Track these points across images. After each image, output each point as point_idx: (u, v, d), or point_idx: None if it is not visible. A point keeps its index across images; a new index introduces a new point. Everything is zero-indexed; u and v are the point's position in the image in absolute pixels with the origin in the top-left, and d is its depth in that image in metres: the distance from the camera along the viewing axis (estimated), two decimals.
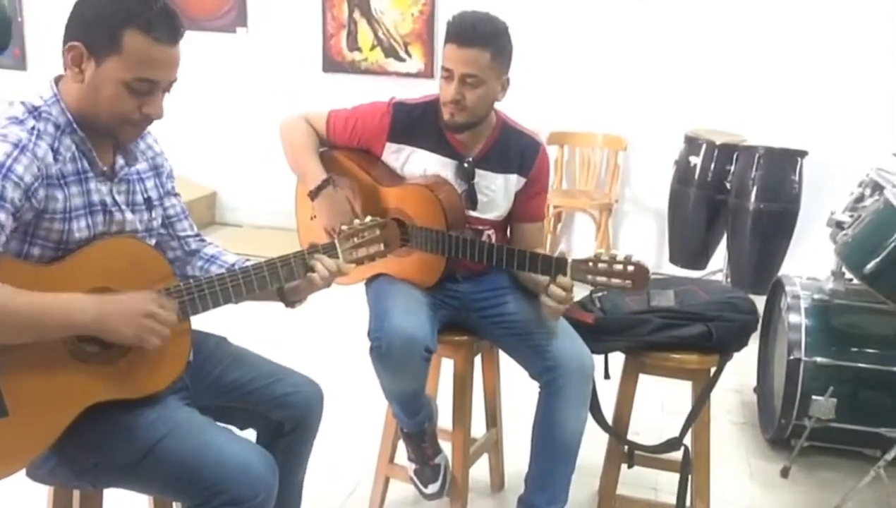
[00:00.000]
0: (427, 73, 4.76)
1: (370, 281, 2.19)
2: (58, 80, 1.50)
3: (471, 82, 2.00)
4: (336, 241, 1.69)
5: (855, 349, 2.66)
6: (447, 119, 2.07)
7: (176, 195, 1.72)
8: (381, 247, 1.75)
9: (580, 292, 2.05)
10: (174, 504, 1.76)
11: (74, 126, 1.47)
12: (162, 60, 1.45)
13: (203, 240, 1.76)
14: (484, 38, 1.98)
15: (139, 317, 1.41)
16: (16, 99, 1.46)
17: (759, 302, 2.57)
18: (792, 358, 2.63)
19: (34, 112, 1.44)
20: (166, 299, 1.47)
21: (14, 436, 1.40)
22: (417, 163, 2.14)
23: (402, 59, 4.81)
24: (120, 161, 1.57)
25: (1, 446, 1.39)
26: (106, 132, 1.50)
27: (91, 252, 1.48)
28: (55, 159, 1.43)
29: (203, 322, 1.66)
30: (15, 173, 1.35)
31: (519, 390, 2.27)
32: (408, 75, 4.79)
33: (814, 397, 2.60)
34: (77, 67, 1.44)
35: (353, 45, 4.85)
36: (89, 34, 1.42)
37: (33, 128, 1.42)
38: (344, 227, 1.72)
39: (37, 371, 1.41)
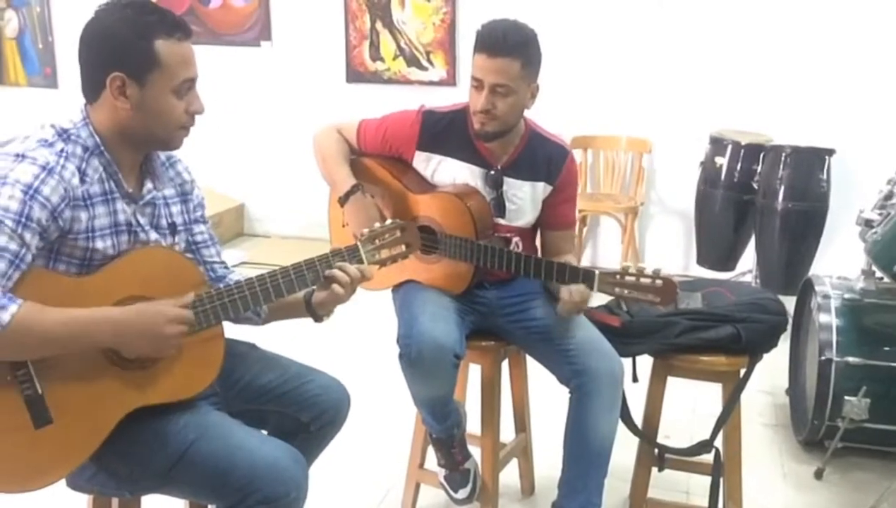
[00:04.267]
0: (449, 81, 4.78)
1: (397, 288, 2.21)
2: (86, 104, 1.53)
3: (501, 92, 2.00)
4: (359, 243, 1.69)
5: (887, 348, 2.63)
6: (478, 128, 2.07)
7: (204, 222, 1.76)
8: (403, 248, 1.75)
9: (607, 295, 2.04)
10: (209, 507, 1.79)
11: (102, 148, 1.50)
12: (190, 56, 1.53)
13: (228, 269, 1.79)
14: (514, 47, 1.98)
15: (155, 330, 1.45)
16: (46, 122, 1.50)
17: (790, 302, 2.55)
18: (823, 358, 2.60)
19: (63, 134, 1.48)
20: (178, 309, 1.49)
21: (58, 444, 1.44)
22: (446, 172, 2.15)
23: (424, 68, 4.83)
24: (148, 184, 1.61)
25: (45, 454, 1.44)
26: (160, 145, 1.57)
27: (126, 262, 1.53)
28: (82, 181, 1.47)
29: (233, 330, 1.69)
30: (42, 194, 1.40)
31: (547, 394, 2.27)
32: (430, 84, 4.81)
33: (846, 397, 2.57)
34: (123, 96, 1.47)
35: (376, 56, 4.89)
36: (124, 61, 1.46)
37: (62, 150, 1.46)
38: (365, 230, 1.73)
39: (78, 378, 1.45)
